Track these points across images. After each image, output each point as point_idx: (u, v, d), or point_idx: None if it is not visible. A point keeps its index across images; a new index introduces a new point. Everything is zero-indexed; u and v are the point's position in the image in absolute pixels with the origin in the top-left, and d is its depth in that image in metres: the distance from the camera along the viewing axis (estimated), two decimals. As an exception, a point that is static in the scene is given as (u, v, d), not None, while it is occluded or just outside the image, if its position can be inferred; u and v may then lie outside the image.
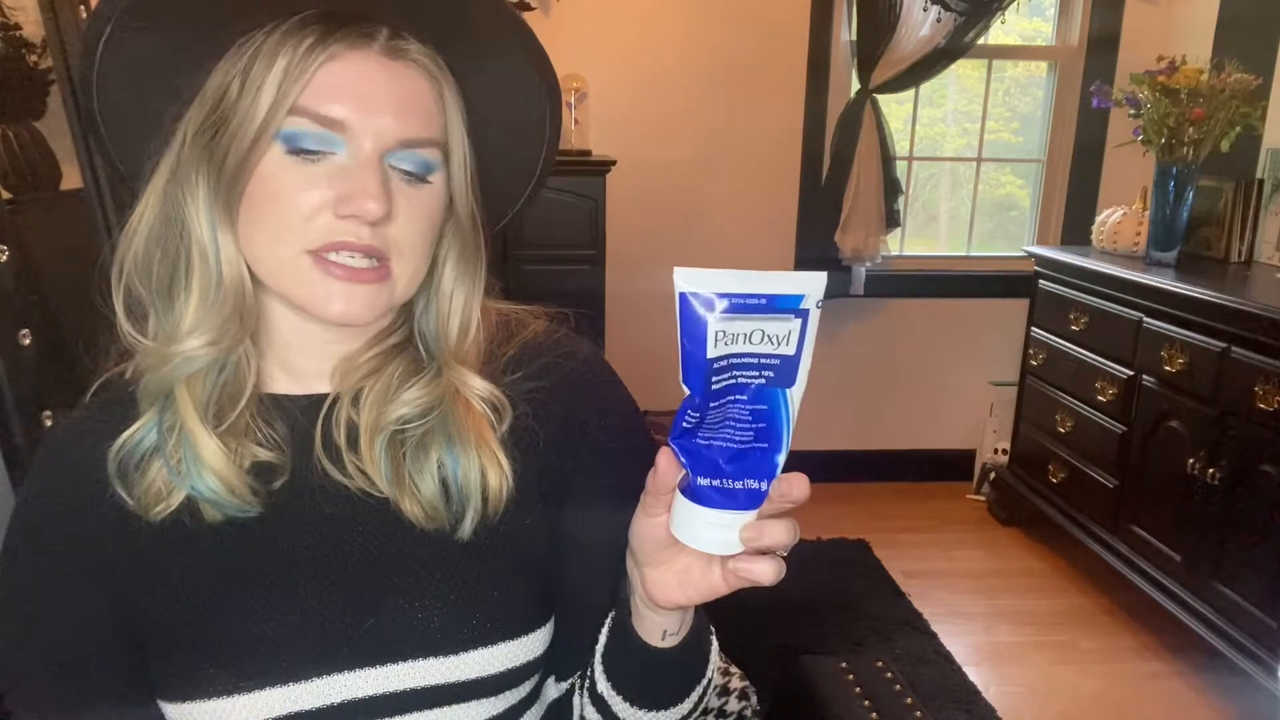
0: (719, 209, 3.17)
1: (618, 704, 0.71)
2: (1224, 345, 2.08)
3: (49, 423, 1.20)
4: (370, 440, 0.68)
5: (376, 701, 0.67)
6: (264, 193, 0.63)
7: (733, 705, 0.98)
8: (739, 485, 0.56)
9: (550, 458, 0.73)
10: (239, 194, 0.63)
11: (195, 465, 0.64)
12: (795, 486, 0.57)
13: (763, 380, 0.55)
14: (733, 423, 0.55)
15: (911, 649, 2.36)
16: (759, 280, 0.53)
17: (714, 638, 0.74)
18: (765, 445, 0.56)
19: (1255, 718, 2.12)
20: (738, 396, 0.55)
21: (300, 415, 0.70)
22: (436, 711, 0.69)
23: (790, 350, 0.54)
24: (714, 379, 0.54)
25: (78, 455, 0.68)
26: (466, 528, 0.68)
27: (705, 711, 0.80)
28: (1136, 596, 2.41)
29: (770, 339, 0.54)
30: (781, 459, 0.57)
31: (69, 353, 1.34)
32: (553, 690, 0.78)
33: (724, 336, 0.53)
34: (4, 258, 1.18)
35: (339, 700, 0.66)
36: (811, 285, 0.53)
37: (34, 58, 1.87)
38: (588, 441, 0.74)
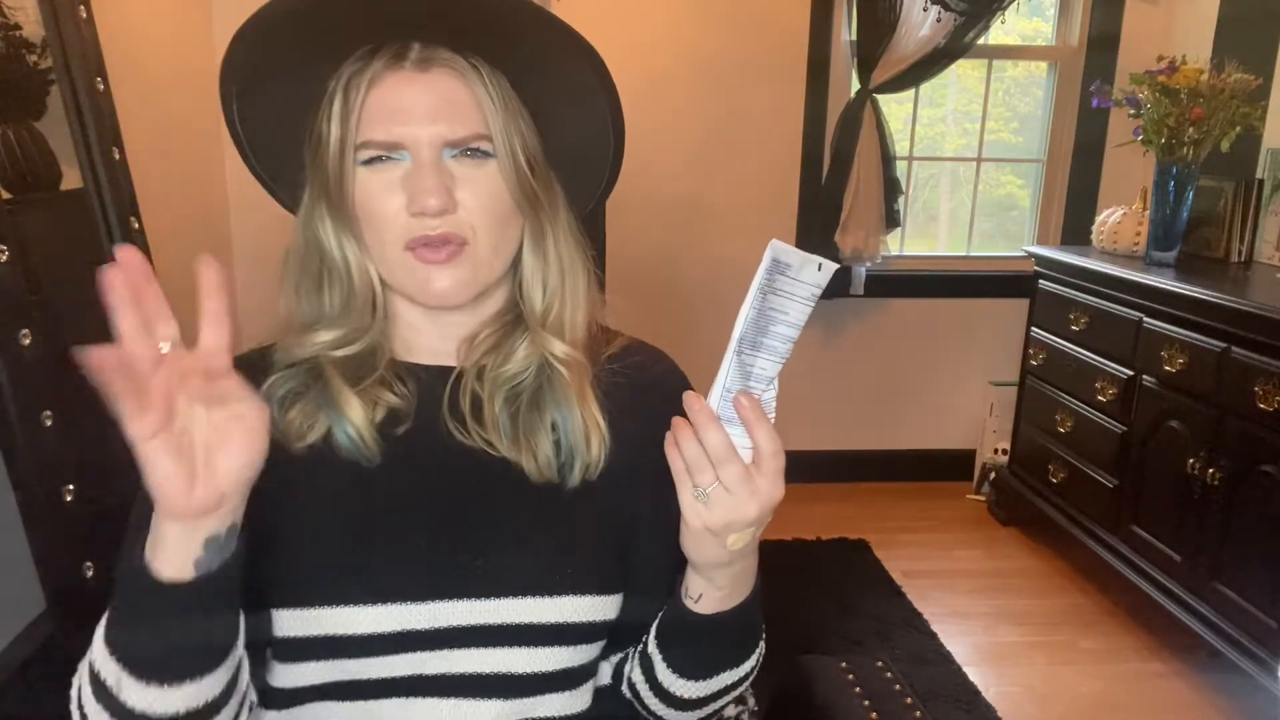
0: (719, 209, 3.17)
1: (661, 665, 0.81)
2: (1224, 345, 2.08)
3: (49, 423, 1.20)
4: (491, 401, 0.78)
5: (479, 632, 0.75)
6: (361, 207, 0.75)
7: (730, 710, 0.99)
8: None
9: (637, 444, 0.79)
10: (346, 210, 0.75)
11: (338, 416, 0.75)
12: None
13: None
14: None
15: (911, 649, 2.36)
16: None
17: (752, 652, 0.83)
18: None
19: (1255, 718, 2.12)
20: None
21: (429, 379, 0.80)
22: (525, 650, 0.76)
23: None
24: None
25: None
26: (575, 476, 0.78)
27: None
28: (1136, 596, 2.40)
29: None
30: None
31: (69, 353, 1.34)
32: (605, 673, 0.86)
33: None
34: (4, 258, 1.18)
35: (445, 625, 0.74)
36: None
37: (34, 58, 1.86)
38: (662, 439, 0.80)
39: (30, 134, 1.86)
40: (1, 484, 1.21)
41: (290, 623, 0.73)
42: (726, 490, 0.66)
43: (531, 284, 0.81)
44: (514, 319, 0.82)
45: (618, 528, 0.81)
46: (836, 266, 0.65)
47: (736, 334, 0.65)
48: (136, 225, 1.63)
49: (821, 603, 2.57)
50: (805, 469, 3.36)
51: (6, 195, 1.39)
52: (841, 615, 2.51)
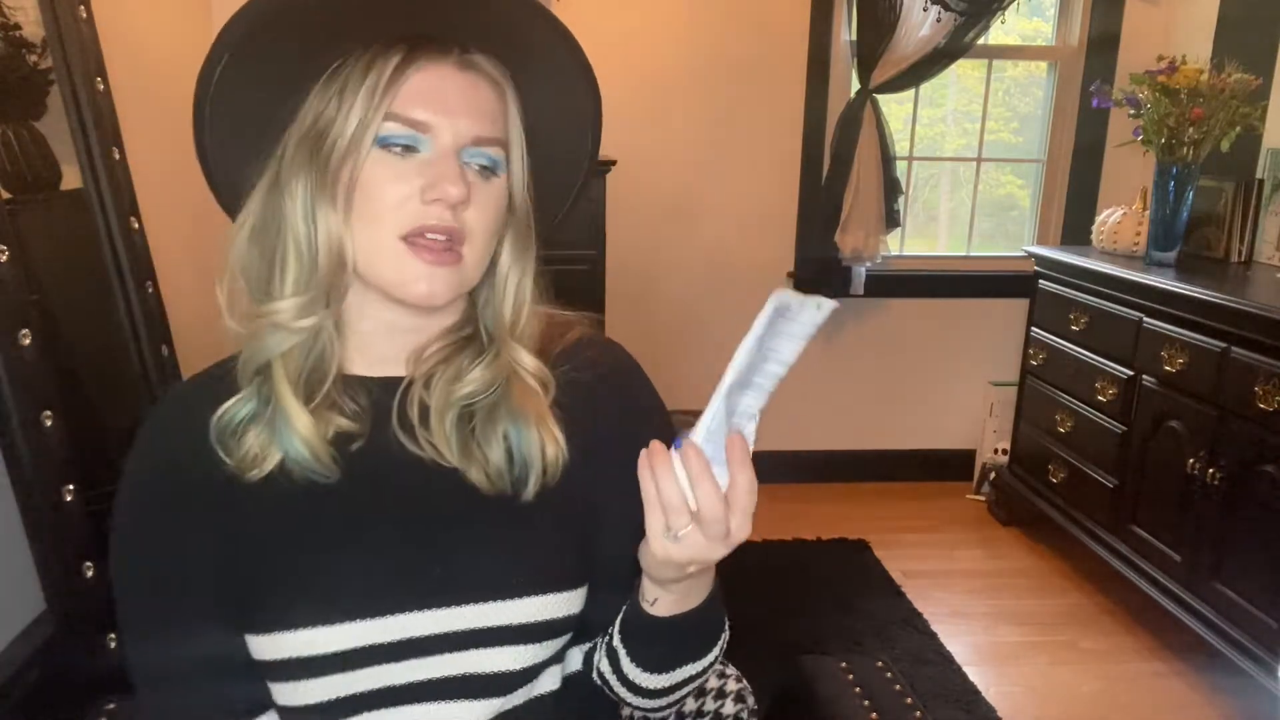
0: (719, 209, 3.17)
1: (625, 659, 0.82)
2: (1224, 345, 2.08)
3: (49, 423, 1.21)
4: (440, 417, 0.78)
5: (440, 640, 0.76)
6: (363, 188, 0.73)
7: (729, 708, 0.99)
8: None
9: (592, 440, 0.81)
10: (342, 191, 0.73)
11: (288, 434, 0.74)
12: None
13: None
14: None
15: (911, 649, 2.36)
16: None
17: (713, 646, 0.84)
18: None
19: (1255, 718, 2.12)
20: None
21: (378, 392, 0.79)
22: (491, 650, 0.78)
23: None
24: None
25: (185, 419, 0.78)
26: (530, 490, 0.78)
27: (702, 714, 0.88)
28: (1136, 596, 2.41)
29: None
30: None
31: (69, 353, 1.34)
32: (575, 658, 0.87)
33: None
34: (4, 258, 1.18)
35: (408, 636, 0.76)
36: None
37: (34, 58, 1.86)
38: (624, 431, 0.82)
39: (30, 134, 1.86)
40: (2, 484, 1.21)
41: (261, 647, 0.75)
42: (702, 536, 0.67)
43: (507, 294, 0.81)
44: (468, 336, 0.82)
45: (577, 525, 0.82)
46: (836, 305, 0.64)
47: (728, 380, 0.64)
48: (136, 225, 1.63)
49: (821, 603, 2.57)
50: (805, 469, 3.38)
51: (6, 195, 1.39)
52: (841, 615, 2.51)
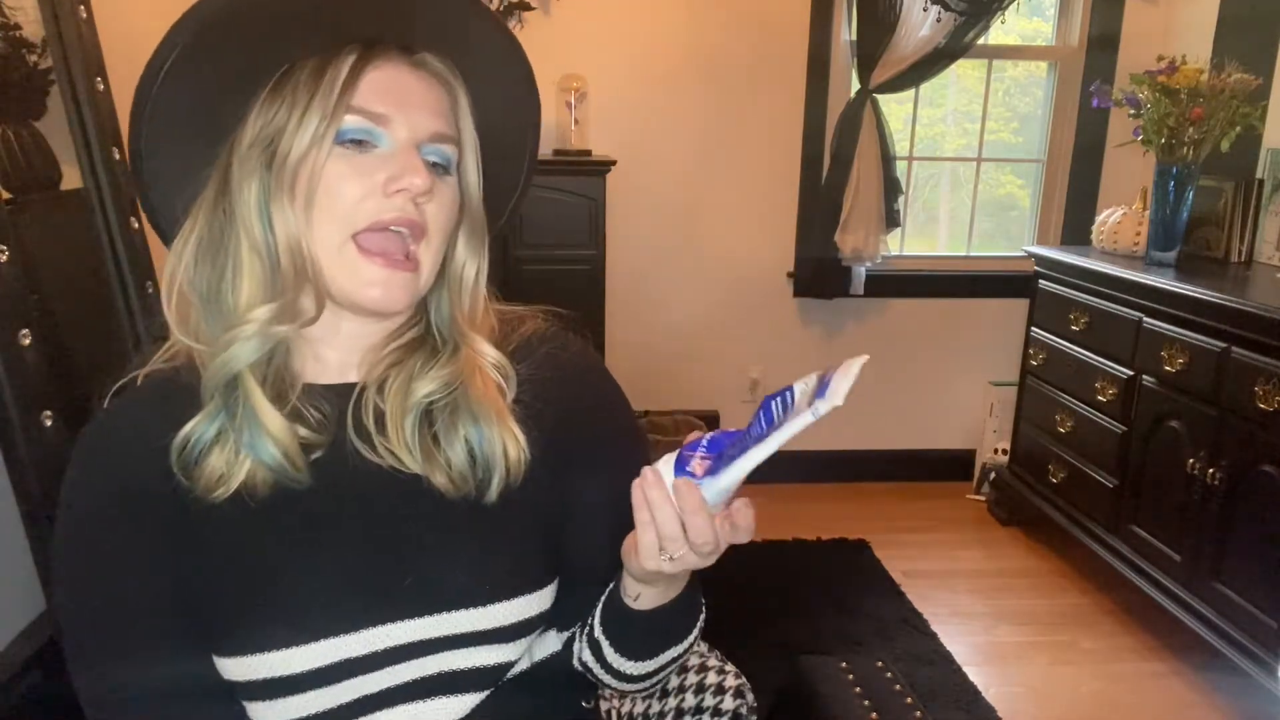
0: (719, 209, 3.17)
1: (608, 650, 0.83)
2: (1224, 345, 2.08)
3: (49, 423, 1.20)
4: (399, 422, 0.76)
5: (414, 647, 0.76)
6: (322, 185, 0.71)
7: (728, 704, 0.99)
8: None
9: (554, 437, 0.81)
10: (300, 190, 0.71)
11: (261, 440, 0.72)
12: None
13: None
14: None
15: (911, 649, 2.36)
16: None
17: (694, 627, 0.85)
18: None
19: (1255, 718, 2.12)
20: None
21: (335, 399, 0.78)
22: (465, 651, 0.78)
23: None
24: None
25: (130, 438, 0.75)
26: (494, 492, 0.77)
27: (701, 710, 0.89)
28: (1136, 596, 2.41)
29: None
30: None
31: (69, 353, 1.34)
32: (554, 640, 0.88)
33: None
34: (4, 258, 1.18)
35: (382, 647, 0.75)
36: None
37: (34, 58, 1.86)
38: (586, 425, 0.84)
39: (30, 134, 1.86)
40: (2, 484, 1.21)
41: (230, 669, 0.73)
42: (694, 555, 0.67)
43: (464, 287, 0.81)
44: (419, 337, 0.81)
45: (544, 524, 0.82)
46: (867, 356, 0.62)
47: (748, 466, 0.63)
48: (136, 225, 1.63)
49: (821, 603, 2.57)
50: (805, 469, 3.38)
51: (6, 195, 1.39)
52: (841, 615, 2.51)
